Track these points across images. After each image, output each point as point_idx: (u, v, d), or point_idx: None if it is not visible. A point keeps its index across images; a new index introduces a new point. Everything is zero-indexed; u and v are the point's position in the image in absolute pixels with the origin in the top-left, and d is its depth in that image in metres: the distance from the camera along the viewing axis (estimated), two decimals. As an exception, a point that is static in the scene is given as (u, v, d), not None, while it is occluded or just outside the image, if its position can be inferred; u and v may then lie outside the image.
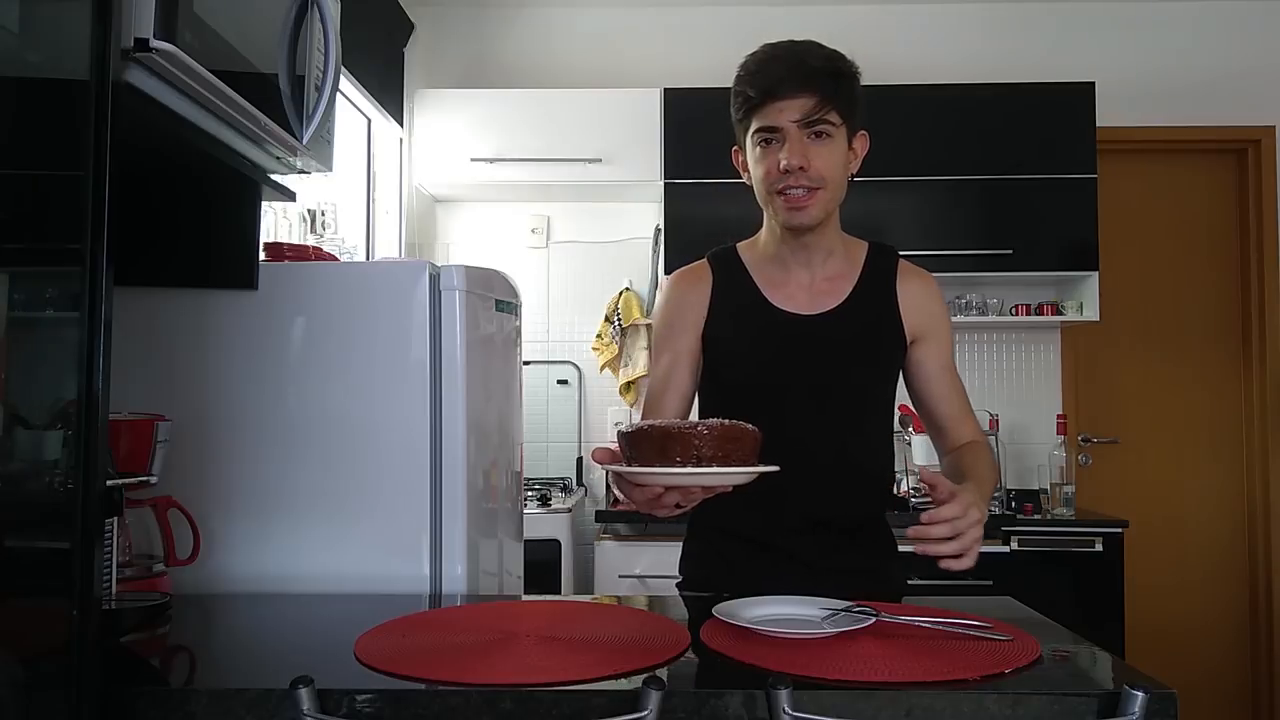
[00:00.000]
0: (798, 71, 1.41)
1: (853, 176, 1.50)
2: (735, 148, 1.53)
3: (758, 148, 1.45)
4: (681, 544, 1.67)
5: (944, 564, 1.22)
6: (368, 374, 1.61)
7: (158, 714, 1.00)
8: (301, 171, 1.54)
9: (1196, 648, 3.67)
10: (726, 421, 1.04)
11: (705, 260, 1.61)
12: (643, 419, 1.39)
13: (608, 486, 3.60)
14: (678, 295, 1.59)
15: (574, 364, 3.80)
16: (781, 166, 1.41)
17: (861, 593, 1.28)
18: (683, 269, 1.63)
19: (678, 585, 1.63)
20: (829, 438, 1.50)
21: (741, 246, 1.60)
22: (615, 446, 1.15)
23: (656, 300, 3.10)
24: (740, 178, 1.54)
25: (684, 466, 0.99)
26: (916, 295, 1.53)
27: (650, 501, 1.16)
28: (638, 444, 1.02)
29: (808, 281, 1.53)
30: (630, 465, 1.03)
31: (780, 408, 1.46)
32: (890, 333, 1.51)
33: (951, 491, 1.23)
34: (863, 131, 1.50)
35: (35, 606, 0.91)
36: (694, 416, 1.51)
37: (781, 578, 1.37)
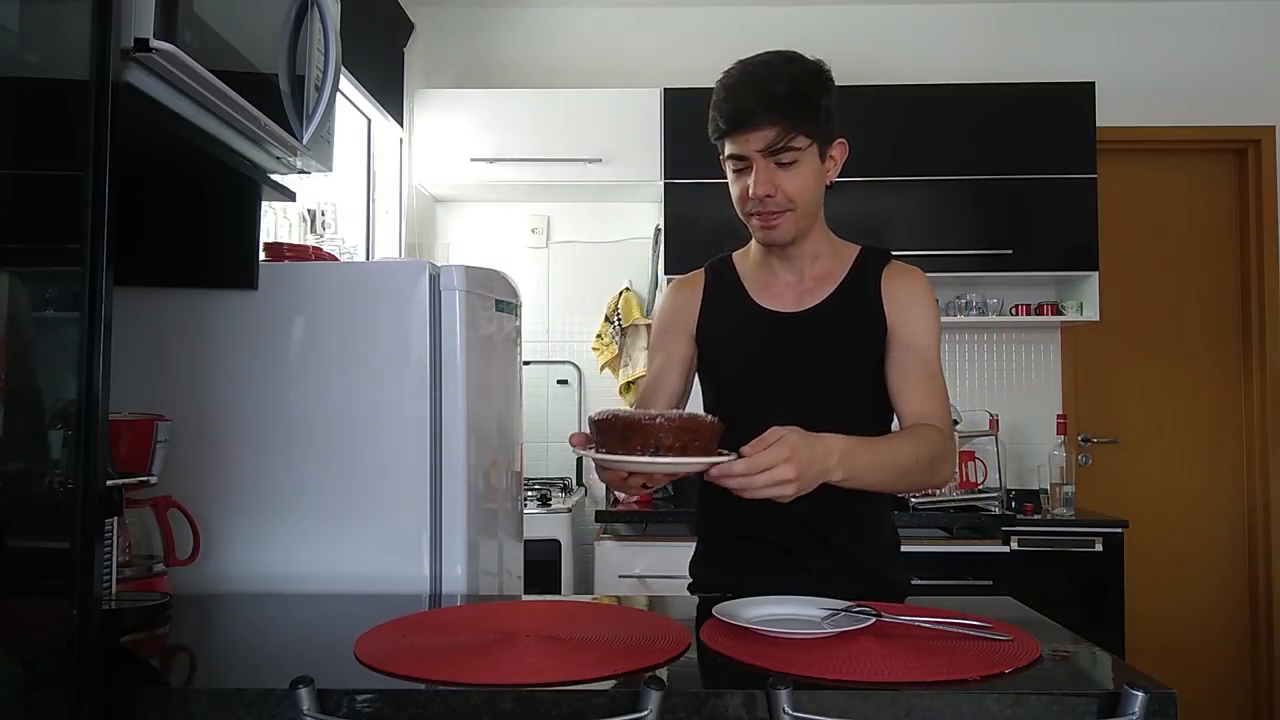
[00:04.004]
0: (763, 101, 1.40)
1: (831, 184, 1.53)
2: (721, 156, 1.56)
3: (731, 171, 1.50)
4: (693, 546, 1.69)
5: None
6: (367, 374, 1.61)
7: (158, 714, 1.00)
8: (301, 171, 1.54)
9: (1196, 647, 3.67)
10: (685, 414, 1.12)
11: (703, 268, 1.68)
12: None
13: (608, 486, 3.60)
14: (672, 301, 1.68)
15: (574, 364, 3.80)
16: (750, 194, 1.46)
17: (863, 593, 1.28)
18: (682, 276, 1.71)
19: (688, 588, 1.64)
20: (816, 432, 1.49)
21: (737, 255, 1.66)
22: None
23: (656, 303, 3.11)
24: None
25: (644, 455, 1.08)
26: (897, 288, 1.53)
27: (618, 482, 1.23)
28: (604, 432, 1.12)
29: (794, 282, 1.57)
30: (598, 451, 1.12)
31: (768, 403, 1.49)
32: (874, 327, 1.51)
33: (762, 443, 1.16)
34: (840, 140, 1.50)
35: (35, 606, 0.91)
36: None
37: (782, 578, 1.37)
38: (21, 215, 0.89)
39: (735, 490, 1.16)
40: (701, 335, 1.61)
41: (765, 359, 1.54)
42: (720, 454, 1.15)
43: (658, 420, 1.09)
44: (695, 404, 1.60)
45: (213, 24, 1.13)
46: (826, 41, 3.90)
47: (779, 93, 1.40)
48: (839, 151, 1.51)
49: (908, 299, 1.53)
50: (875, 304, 1.52)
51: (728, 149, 1.47)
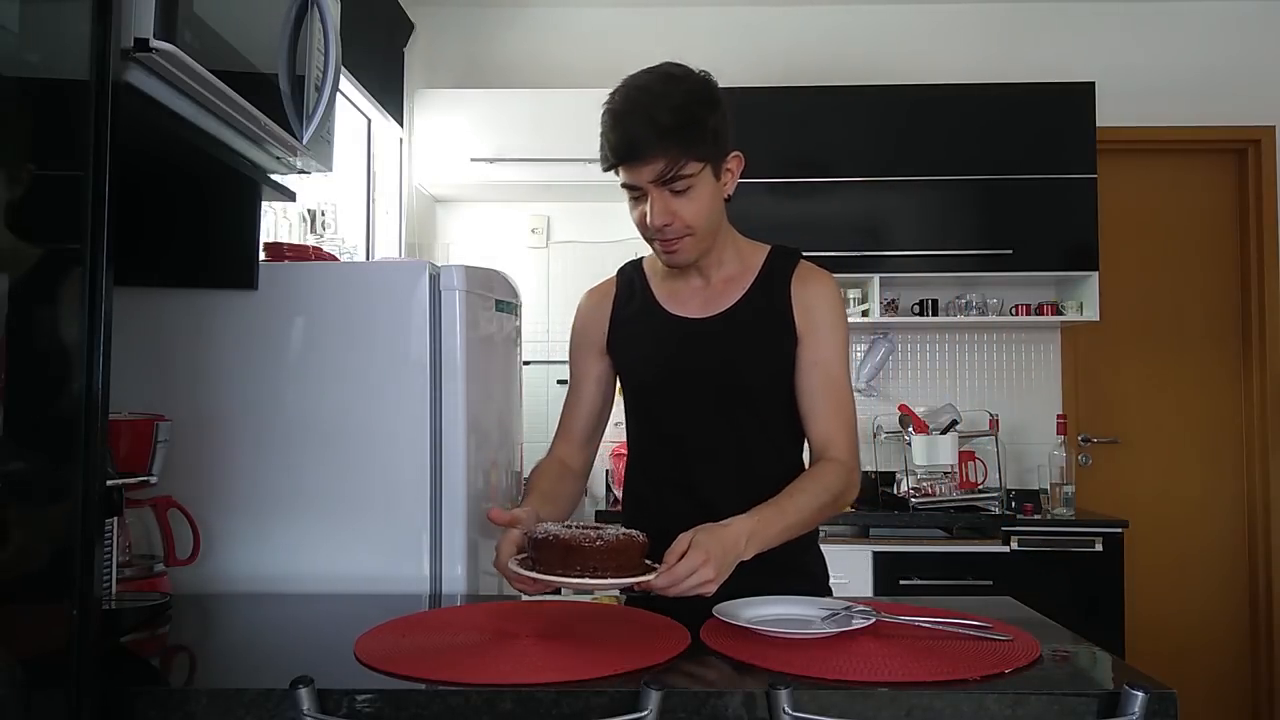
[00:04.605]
0: (650, 131, 1.38)
1: (728, 198, 1.50)
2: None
3: (628, 199, 1.47)
4: None
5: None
6: (368, 374, 1.61)
7: (158, 714, 1.00)
8: (301, 171, 1.54)
9: (1196, 647, 3.67)
10: (619, 536, 1.20)
11: (614, 275, 1.67)
12: (556, 437, 1.66)
13: (608, 487, 3.60)
14: (582, 315, 1.67)
15: (574, 364, 3.80)
16: (648, 223, 1.44)
17: (783, 588, 1.33)
18: (593, 286, 1.69)
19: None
20: (729, 437, 1.52)
21: (647, 260, 1.64)
22: (513, 509, 1.31)
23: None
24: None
25: (581, 578, 1.16)
26: (806, 293, 1.54)
27: (529, 587, 1.24)
28: (542, 550, 1.20)
29: (701, 287, 1.57)
30: (535, 565, 1.20)
31: (683, 408, 1.53)
32: (782, 332, 1.52)
33: (675, 553, 1.21)
34: (735, 153, 1.48)
35: (35, 606, 0.91)
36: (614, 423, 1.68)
37: None
38: (21, 215, 0.89)
39: (660, 593, 1.21)
40: (612, 345, 1.61)
41: (676, 365, 1.54)
42: (646, 562, 1.24)
43: (597, 544, 1.17)
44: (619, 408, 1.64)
45: (213, 24, 1.13)
46: (826, 41, 3.93)
47: (664, 121, 1.38)
48: (735, 165, 1.49)
49: (816, 306, 1.53)
50: (784, 307, 1.53)
51: (621, 177, 1.45)
